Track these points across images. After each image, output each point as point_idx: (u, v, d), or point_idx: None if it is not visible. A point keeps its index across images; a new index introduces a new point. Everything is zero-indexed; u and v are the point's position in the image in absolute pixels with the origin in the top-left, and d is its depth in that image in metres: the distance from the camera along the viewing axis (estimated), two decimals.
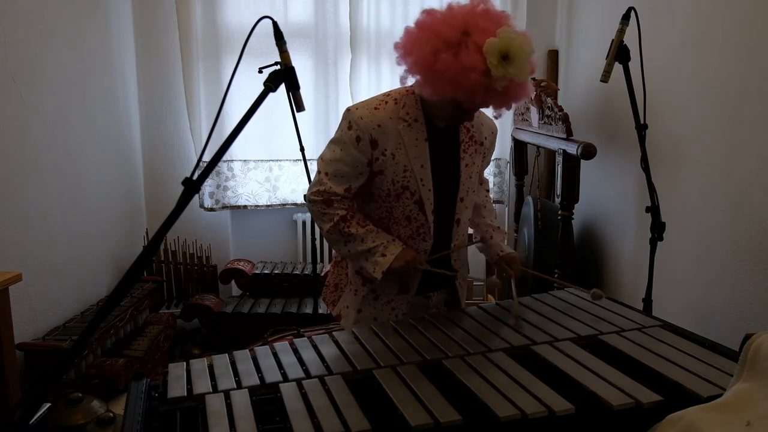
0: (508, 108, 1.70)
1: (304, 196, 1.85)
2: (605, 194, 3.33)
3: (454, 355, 1.45)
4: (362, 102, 1.76)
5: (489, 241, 1.96)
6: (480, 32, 1.51)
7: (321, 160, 1.75)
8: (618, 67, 2.25)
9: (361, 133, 1.69)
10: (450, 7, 1.59)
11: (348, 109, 1.72)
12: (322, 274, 3.52)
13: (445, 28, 1.55)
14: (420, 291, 1.85)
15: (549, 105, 3.20)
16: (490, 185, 3.91)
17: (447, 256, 1.86)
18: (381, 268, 1.69)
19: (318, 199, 1.72)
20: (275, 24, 2.07)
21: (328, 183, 1.71)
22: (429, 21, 1.59)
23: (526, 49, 1.52)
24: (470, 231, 2.01)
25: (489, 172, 3.96)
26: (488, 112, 1.78)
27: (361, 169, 1.72)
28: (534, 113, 3.39)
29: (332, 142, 1.74)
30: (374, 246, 1.70)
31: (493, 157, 3.92)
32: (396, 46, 1.66)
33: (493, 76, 1.51)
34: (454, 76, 1.52)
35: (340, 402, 1.23)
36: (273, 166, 3.80)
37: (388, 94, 1.76)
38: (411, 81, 1.67)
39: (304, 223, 3.94)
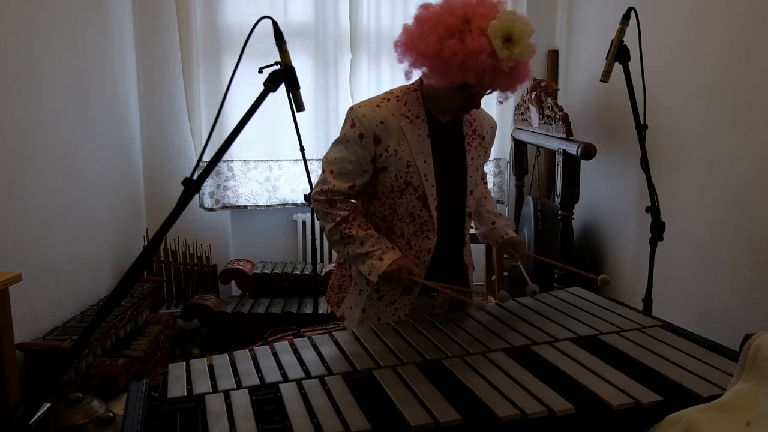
0: (514, 90, 1.74)
1: (305, 196, 1.87)
2: (605, 194, 3.33)
3: (454, 355, 1.45)
4: (364, 101, 1.79)
5: (491, 227, 2.01)
6: (480, 17, 1.56)
7: (325, 159, 1.78)
8: (618, 67, 2.25)
9: (364, 130, 1.71)
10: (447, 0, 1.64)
11: (351, 108, 1.75)
12: (322, 274, 3.52)
13: (447, 17, 1.59)
14: (424, 291, 1.85)
15: (549, 105, 3.20)
16: (490, 185, 3.92)
17: (459, 252, 1.89)
18: (377, 272, 1.71)
19: (322, 198, 1.75)
20: (275, 24, 2.07)
21: (333, 181, 1.74)
22: (428, 14, 1.63)
23: (527, 30, 1.57)
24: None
25: (489, 172, 3.97)
26: (493, 99, 1.85)
27: (365, 167, 1.74)
28: (534, 113, 3.39)
29: (336, 141, 1.77)
30: (372, 250, 1.72)
31: (493, 157, 3.96)
32: (396, 44, 1.69)
33: (499, 57, 1.55)
34: (463, 60, 1.56)
35: (340, 402, 1.23)
36: (273, 166, 3.81)
37: (389, 92, 1.79)
38: (416, 75, 1.71)
39: (304, 223, 3.94)
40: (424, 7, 1.65)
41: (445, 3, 1.63)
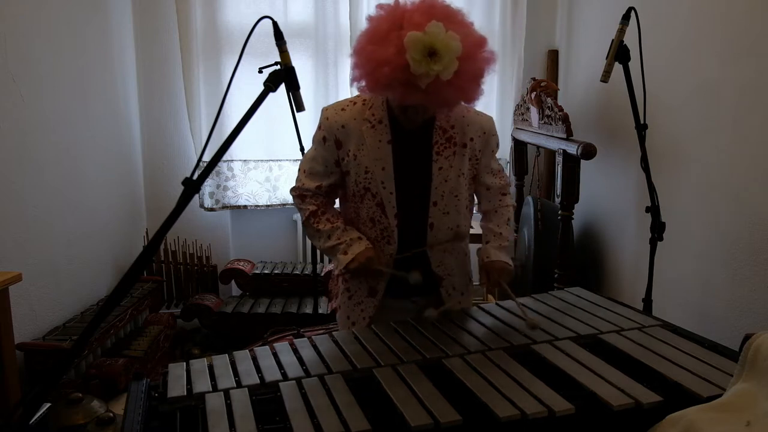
0: (450, 109, 1.65)
1: None
2: (605, 194, 3.33)
3: (453, 355, 1.45)
4: (335, 102, 1.79)
5: (484, 245, 1.85)
6: (412, 27, 1.46)
7: (303, 156, 1.83)
8: (618, 67, 2.25)
9: (326, 134, 1.72)
10: (396, 1, 1.55)
11: (322, 109, 1.76)
12: (322, 274, 3.52)
13: (383, 22, 1.52)
14: (390, 296, 1.80)
15: (549, 105, 3.20)
16: None
17: (426, 261, 1.78)
18: (341, 266, 1.72)
19: (295, 194, 1.81)
20: (275, 24, 2.07)
21: (303, 179, 1.78)
22: (375, 15, 1.57)
23: (452, 47, 1.44)
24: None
25: None
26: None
27: (330, 169, 1.76)
28: (534, 113, 3.39)
29: (312, 140, 1.80)
30: (339, 243, 1.72)
31: None
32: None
33: (413, 71, 1.45)
34: (372, 69, 1.50)
35: (339, 401, 1.23)
36: (273, 166, 3.81)
37: (360, 95, 1.75)
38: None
39: None
40: (379, 6, 1.58)
41: (394, 5, 1.55)
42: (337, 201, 1.88)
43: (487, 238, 1.85)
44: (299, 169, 1.81)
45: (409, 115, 1.65)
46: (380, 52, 1.48)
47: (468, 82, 1.54)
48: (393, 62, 1.46)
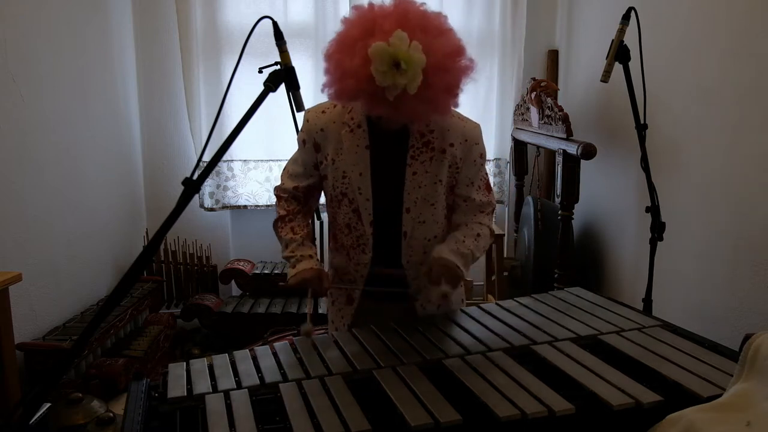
0: (423, 120, 1.58)
1: None
2: (605, 194, 3.33)
3: (453, 355, 1.45)
4: (318, 104, 1.74)
5: (439, 245, 1.68)
6: (382, 35, 1.40)
7: (290, 157, 1.81)
8: (618, 67, 2.25)
9: (306, 136, 1.70)
10: (371, 5, 1.50)
11: (305, 110, 1.71)
12: None
13: (354, 28, 1.46)
14: (374, 296, 1.76)
15: (549, 105, 3.20)
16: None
17: (401, 275, 1.72)
18: (288, 277, 1.70)
19: (275, 194, 1.81)
20: (275, 24, 2.07)
21: (284, 179, 1.78)
22: (348, 18, 1.51)
23: (415, 59, 1.38)
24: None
25: (489, 172, 3.94)
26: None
27: (309, 171, 1.73)
28: (534, 113, 3.39)
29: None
30: (291, 256, 1.69)
31: (493, 157, 3.95)
32: None
33: (378, 83, 1.40)
34: (338, 78, 1.47)
35: (340, 402, 1.23)
36: (273, 166, 3.81)
37: None
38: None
39: None
40: (354, 8, 1.51)
41: (367, 9, 1.49)
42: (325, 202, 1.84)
43: (447, 242, 1.68)
44: (283, 169, 1.80)
45: (383, 122, 1.62)
46: (346, 62, 1.43)
47: (439, 94, 1.47)
48: (358, 74, 1.41)
